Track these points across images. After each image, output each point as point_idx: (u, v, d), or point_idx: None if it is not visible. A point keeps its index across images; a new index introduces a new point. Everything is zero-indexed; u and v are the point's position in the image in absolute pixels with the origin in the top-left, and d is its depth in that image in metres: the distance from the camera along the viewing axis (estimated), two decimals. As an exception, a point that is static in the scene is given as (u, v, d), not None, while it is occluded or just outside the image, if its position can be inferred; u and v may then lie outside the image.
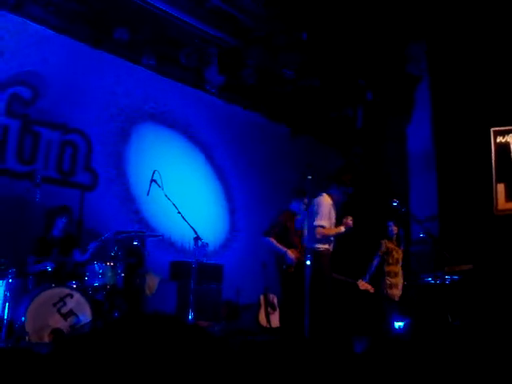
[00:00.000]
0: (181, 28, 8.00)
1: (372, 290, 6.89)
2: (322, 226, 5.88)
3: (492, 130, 9.00)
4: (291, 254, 6.36)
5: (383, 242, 7.68)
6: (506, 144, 8.97)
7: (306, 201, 6.53)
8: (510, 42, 8.52)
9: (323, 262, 5.93)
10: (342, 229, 5.94)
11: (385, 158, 9.91)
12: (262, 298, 8.56)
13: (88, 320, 5.56)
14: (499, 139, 9.06)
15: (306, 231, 6.00)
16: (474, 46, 8.91)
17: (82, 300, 5.60)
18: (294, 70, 8.94)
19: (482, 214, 8.68)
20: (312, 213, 5.98)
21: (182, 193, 8.42)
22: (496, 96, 8.81)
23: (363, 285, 7.09)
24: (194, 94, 9.12)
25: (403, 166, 9.68)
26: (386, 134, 10.09)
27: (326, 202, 6.01)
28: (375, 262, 7.59)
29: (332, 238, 6.08)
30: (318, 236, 5.88)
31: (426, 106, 9.70)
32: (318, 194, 6.12)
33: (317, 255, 5.85)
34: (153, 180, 6.61)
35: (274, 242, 6.50)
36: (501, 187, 8.83)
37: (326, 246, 5.99)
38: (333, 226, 6.02)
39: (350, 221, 5.97)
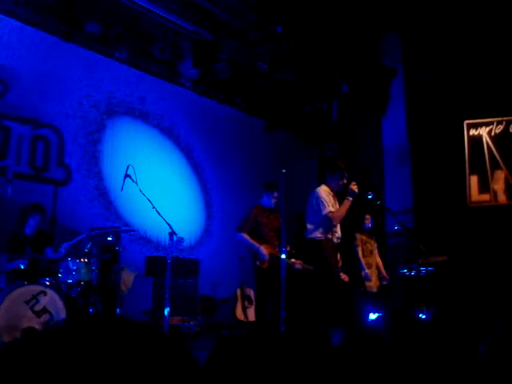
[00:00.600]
0: (154, 21, 7.91)
1: (347, 279, 6.92)
2: (331, 212, 5.79)
3: (465, 122, 9.08)
4: (264, 249, 6.33)
5: (357, 234, 7.74)
6: (479, 136, 9.06)
7: (275, 194, 6.60)
8: (483, 35, 8.59)
9: (323, 252, 5.84)
10: (350, 198, 5.82)
11: (360, 151, 9.95)
12: (238, 291, 8.56)
13: (62, 317, 5.49)
14: (472, 132, 9.15)
15: (307, 225, 6.00)
16: (447, 40, 8.97)
17: (56, 297, 5.52)
18: (268, 63, 8.91)
19: (455, 206, 8.77)
20: (312, 206, 5.94)
21: (157, 187, 8.36)
22: (469, 89, 8.89)
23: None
24: (168, 88, 9.06)
25: (378, 159, 9.73)
26: (360, 128, 10.13)
27: (323, 190, 5.97)
28: (358, 253, 7.66)
29: (335, 228, 5.96)
30: (335, 222, 5.84)
31: (400, 99, 9.75)
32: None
33: (316, 245, 5.81)
34: (127, 175, 6.53)
35: (247, 237, 6.47)
36: (474, 179, 8.92)
37: (328, 236, 5.88)
38: None
39: (353, 186, 5.84)
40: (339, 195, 6.14)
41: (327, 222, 5.81)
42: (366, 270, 7.58)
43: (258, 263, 6.39)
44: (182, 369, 0.93)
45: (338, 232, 6.04)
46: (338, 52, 8.90)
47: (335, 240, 5.98)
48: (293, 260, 6.56)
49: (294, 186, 9.73)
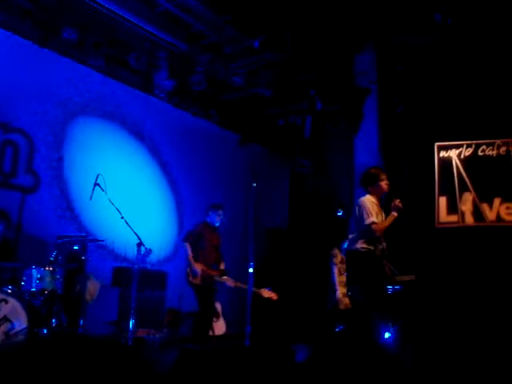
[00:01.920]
0: (131, 30, 7.88)
1: (275, 298, 6.99)
2: (374, 223, 5.57)
3: (436, 144, 9.21)
4: (197, 266, 7.05)
5: (336, 251, 7.72)
6: (449, 159, 9.20)
7: (220, 212, 7.39)
8: (457, 58, 8.76)
9: (364, 264, 5.60)
10: (395, 214, 5.66)
11: (331, 168, 10.01)
12: (205, 305, 8.49)
13: (23, 326, 5.37)
14: (442, 154, 9.29)
15: (349, 235, 5.94)
16: (422, 63, 9.12)
17: (18, 306, 5.41)
18: (244, 77, 8.94)
19: (424, 227, 8.86)
20: (355, 216, 5.77)
21: (128, 197, 8.28)
22: (441, 112, 9.04)
23: (266, 293, 7.18)
24: (142, 98, 9.00)
25: (349, 177, 9.79)
26: (333, 145, 10.20)
27: (367, 199, 5.76)
28: (333, 272, 7.63)
29: (380, 240, 5.75)
30: (377, 234, 5.60)
31: (373, 118, 9.85)
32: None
33: (357, 256, 5.63)
34: (96, 184, 6.47)
35: (189, 249, 7.19)
36: (443, 200, 9.04)
37: (370, 247, 5.63)
38: None
39: (397, 202, 5.72)
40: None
41: (369, 233, 5.59)
42: (338, 290, 7.61)
43: (190, 278, 7.09)
44: (140, 382, 0.91)
45: (383, 244, 5.79)
46: (313, 69, 8.97)
47: (378, 252, 5.71)
48: (224, 277, 7.32)
49: (266, 201, 9.76)
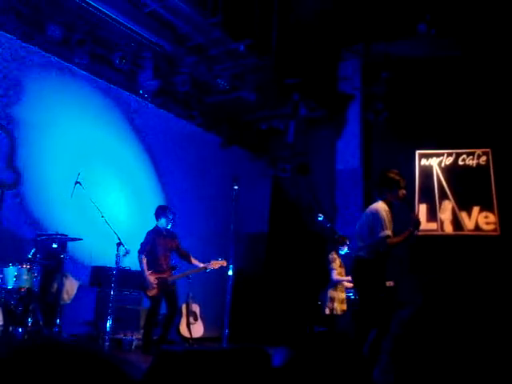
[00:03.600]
0: (117, 29, 7.85)
1: (225, 264, 6.97)
2: (389, 236, 5.19)
3: (417, 152, 9.30)
4: (150, 278, 6.97)
5: (335, 255, 7.70)
6: (430, 167, 9.29)
7: (168, 214, 7.31)
8: (440, 68, 8.85)
9: (369, 271, 5.30)
10: (411, 229, 5.24)
11: (313, 173, 10.05)
12: (184, 307, 8.47)
13: (-1, 324, 5.32)
14: (423, 162, 9.37)
15: (359, 242, 5.50)
16: (405, 71, 9.21)
17: (-7, 303, 5.35)
18: (228, 80, 8.94)
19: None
20: (367, 223, 5.36)
21: (108, 196, 8.23)
22: (423, 121, 9.13)
23: (216, 263, 7.22)
24: (126, 97, 8.97)
25: (331, 182, 9.84)
26: (315, 150, 10.24)
27: (382, 208, 5.32)
28: (332, 276, 7.59)
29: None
30: (389, 248, 5.24)
31: (356, 124, 9.92)
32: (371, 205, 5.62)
33: (365, 264, 5.33)
34: (77, 182, 6.43)
35: (144, 262, 7.05)
36: (423, 208, 9.12)
37: (380, 257, 5.33)
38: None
39: (417, 217, 5.52)
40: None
41: (381, 246, 5.24)
42: (341, 294, 7.62)
43: (148, 292, 7.04)
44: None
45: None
46: (298, 74, 9.01)
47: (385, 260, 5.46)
48: (177, 275, 7.37)
49: (247, 204, 9.76)
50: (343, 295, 7.67)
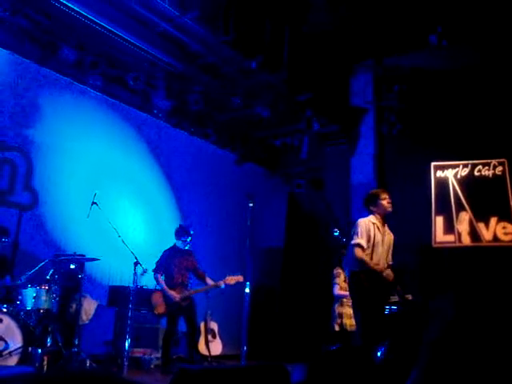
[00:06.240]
0: (130, 50, 7.94)
1: (241, 279, 6.98)
2: (359, 245, 5.52)
3: (432, 164, 9.23)
4: (172, 293, 7.08)
5: (339, 270, 7.64)
6: (446, 178, 9.21)
7: (184, 238, 7.36)
8: (454, 79, 8.84)
9: (361, 285, 5.51)
10: (383, 274, 5.54)
11: (327, 188, 10.03)
12: (202, 325, 8.46)
13: (18, 346, 5.34)
14: (439, 174, 9.30)
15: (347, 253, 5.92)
16: (418, 83, 9.20)
17: (12, 324, 5.37)
18: (241, 97, 8.99)
19: (421, 246, 8.86)
20: (351, 235, 5.73)
21: (125, 216, 8.28)
22: (437, 132, 9.10)
23: (232, 279, 7.22)
24: (140, 117, 9.04)
25: (345, 197, 9.81)
26: (329, 165, 10.23)
27: (363, 221, 5.70)
28: (334, 291, 7.53)
29: (378, 260, 5.67)
30: (358, 257, 5.51)
31: (370, 138, 9.89)
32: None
33: (354, 277, 5.57)
34: (94, 202, 6.48)
35: (161, 280, 7.17)
36: (439, 220, 9.04)
37: (365, 267, 5.54)
38: (377, 247, 5.65)
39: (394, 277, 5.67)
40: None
41: (352, 253, 5.58)
42: (349, 309, 7.54)
43: (155, 311, 7.21)
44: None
45: (381, 264, 5.67)
46: (310, 89, 9.03)
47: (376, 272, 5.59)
48: (192, 291, 7.35)
49: (262, 221, 9.76)
50: (351, 310, 7.59)
